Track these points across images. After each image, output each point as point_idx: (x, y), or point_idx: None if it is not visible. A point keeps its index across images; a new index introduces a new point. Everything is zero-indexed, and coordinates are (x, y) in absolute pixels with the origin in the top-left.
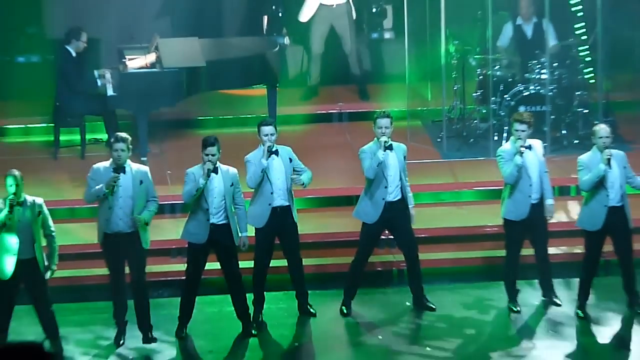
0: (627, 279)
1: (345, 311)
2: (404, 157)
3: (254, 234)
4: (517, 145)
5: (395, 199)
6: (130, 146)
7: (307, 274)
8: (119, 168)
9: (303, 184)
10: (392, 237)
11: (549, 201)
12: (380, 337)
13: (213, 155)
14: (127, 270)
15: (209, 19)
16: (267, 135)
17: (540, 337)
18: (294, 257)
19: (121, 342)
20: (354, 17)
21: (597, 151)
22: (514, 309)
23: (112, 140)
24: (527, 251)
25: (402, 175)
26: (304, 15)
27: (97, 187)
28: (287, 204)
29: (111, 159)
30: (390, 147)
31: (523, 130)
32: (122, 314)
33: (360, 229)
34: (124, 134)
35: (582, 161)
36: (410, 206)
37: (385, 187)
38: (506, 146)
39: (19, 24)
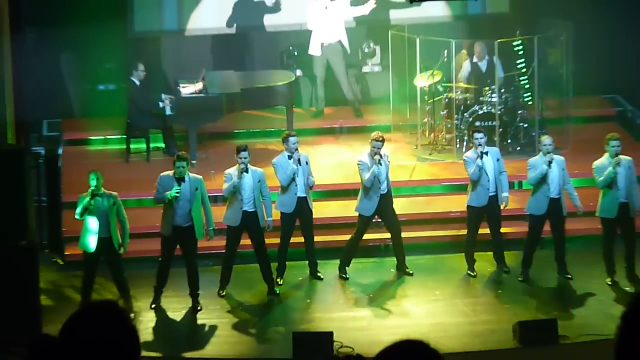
0: (559, 252)
1: (344, 276)
2: (389, 162)
3: (279, 219)
4: (477, 151)
5: (384, 192)
6: (192, 161)
7: (315, 248)
8: (180, 179)
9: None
10: (379, 220)
11: (505, 194)
12: (371, 295)
13: (245, 158)
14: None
15: (243, 57)
16: (294, 144)
17: (491, 295)
18: (310, 234)
19: (153, 305)
20: (349, 52)
21: (542, 155)
22: (472, 274)
23: (175, 158)
24: (486, 231)
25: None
26: (312, 50)
27: (163, 194)
28: (305, 195)
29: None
30: (381, 157)
31: (481, 138)
32: (161, 285)
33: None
34: (185, 154)
35: (531, 162)
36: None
37: (379, 188)
38: (469, 153)
39: (100, 61)
